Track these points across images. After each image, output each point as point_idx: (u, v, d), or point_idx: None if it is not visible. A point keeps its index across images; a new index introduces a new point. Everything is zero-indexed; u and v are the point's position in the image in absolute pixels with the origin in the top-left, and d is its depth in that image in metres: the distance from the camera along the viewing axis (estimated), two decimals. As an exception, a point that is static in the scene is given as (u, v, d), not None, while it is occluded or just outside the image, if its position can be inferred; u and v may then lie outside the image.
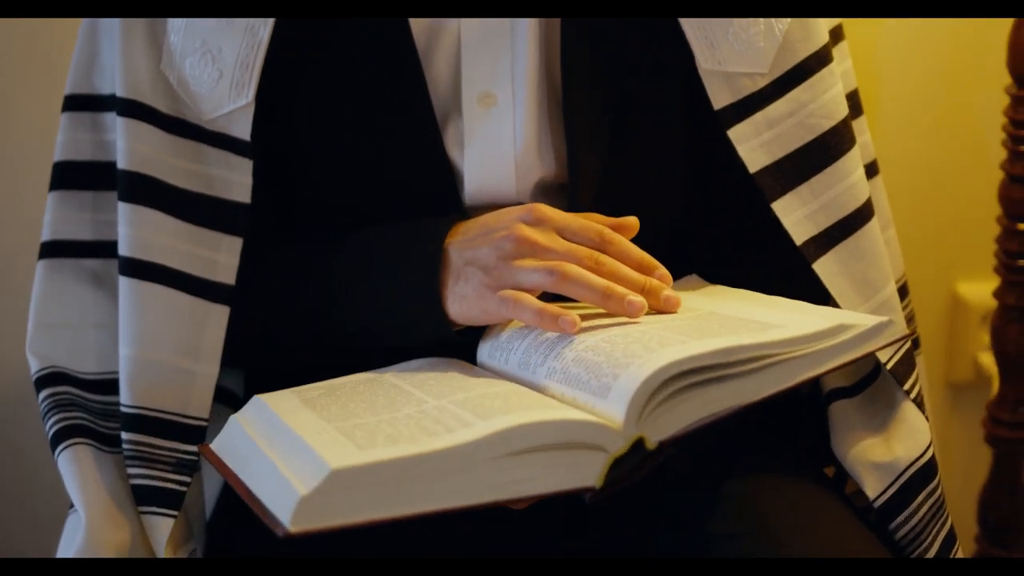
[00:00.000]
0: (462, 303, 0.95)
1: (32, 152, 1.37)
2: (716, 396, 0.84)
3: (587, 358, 0.86)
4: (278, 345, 1.05)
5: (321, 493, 0.77)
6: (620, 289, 0.92)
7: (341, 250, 1.01)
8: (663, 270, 0.96)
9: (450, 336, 0.97)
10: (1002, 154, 1.35)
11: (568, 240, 0.95)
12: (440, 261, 0.96)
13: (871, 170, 1.17)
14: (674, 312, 0.94)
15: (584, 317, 0.93)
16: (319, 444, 0.81)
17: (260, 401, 0.92)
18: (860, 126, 1.15)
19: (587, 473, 0.81)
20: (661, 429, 0.83)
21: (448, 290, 0.95)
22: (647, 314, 0.94)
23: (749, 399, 0.85)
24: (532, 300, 0.92)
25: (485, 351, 0.96)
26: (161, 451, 0.99)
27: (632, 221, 0.98)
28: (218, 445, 0.91)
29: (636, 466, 0.82)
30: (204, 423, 1.00)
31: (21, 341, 1.06)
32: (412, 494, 0.78)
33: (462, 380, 0.92)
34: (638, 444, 0.82)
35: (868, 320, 0.91)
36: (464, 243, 0.96)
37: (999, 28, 1.34)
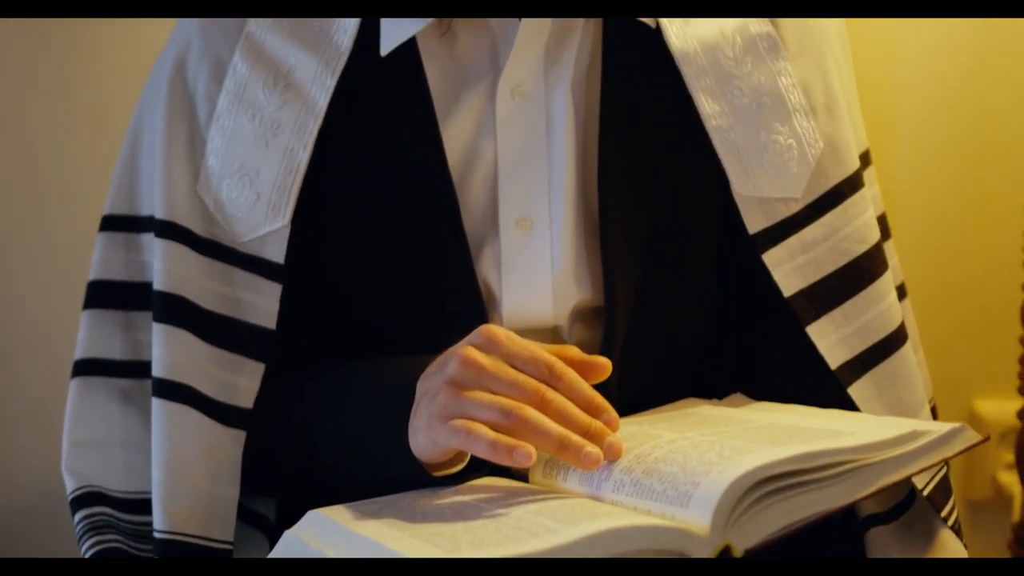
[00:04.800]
0: (416, 436, 0.91)
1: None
2: (799, 504, 0.83)
3: (659, 469, 0.85)
4: (282, 474, 1.04)
5: None
6: (576, 439, 0.88)
7: (331, 380, 1.00)
8: (612, 414, 0.91)
9: (424, 478, 0.93)
10: (1022, 274, 1.36)
11: (517, 369, 0.90)
12: (410, 397, 0.93)
13: (900, 292, 1.17)
14: (616, 459, 0.89)
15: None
16: (401, 548, 0.79)
17: (318, 514, 0.89)
18: (889, 249, 1.16)
19: None
20: (747, 536, 0.82)
21: (409, 425, 0.92)
22: (707, 424, 0.93)
23: (831, 506, 0.84)
24: (486, 431, 0.87)
25: (538, 472, 0.93)
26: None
27: (603, 362, 0.92)
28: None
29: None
30: (230, 547, 0.99)
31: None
32: None
33: (526, 494, 0.90)
34: (724, 552, 0.82)
35: (941, 427, 0.91)
36: (426, 376, 0.93)
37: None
